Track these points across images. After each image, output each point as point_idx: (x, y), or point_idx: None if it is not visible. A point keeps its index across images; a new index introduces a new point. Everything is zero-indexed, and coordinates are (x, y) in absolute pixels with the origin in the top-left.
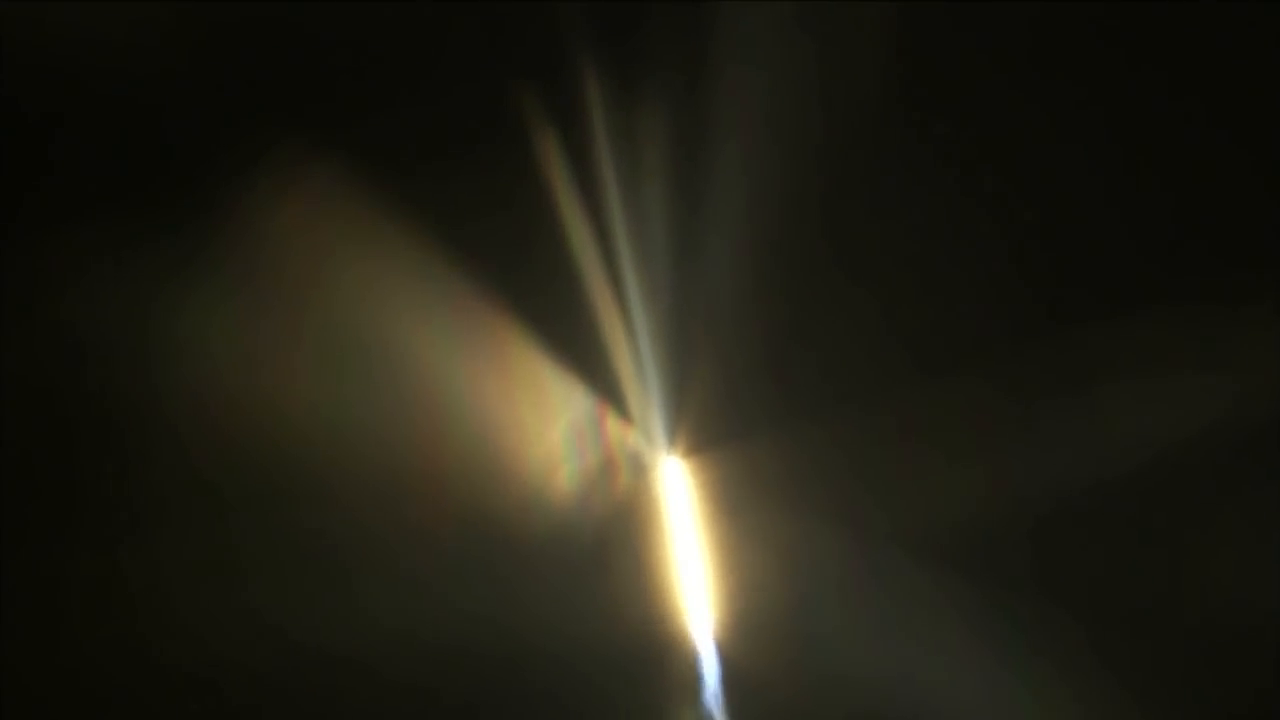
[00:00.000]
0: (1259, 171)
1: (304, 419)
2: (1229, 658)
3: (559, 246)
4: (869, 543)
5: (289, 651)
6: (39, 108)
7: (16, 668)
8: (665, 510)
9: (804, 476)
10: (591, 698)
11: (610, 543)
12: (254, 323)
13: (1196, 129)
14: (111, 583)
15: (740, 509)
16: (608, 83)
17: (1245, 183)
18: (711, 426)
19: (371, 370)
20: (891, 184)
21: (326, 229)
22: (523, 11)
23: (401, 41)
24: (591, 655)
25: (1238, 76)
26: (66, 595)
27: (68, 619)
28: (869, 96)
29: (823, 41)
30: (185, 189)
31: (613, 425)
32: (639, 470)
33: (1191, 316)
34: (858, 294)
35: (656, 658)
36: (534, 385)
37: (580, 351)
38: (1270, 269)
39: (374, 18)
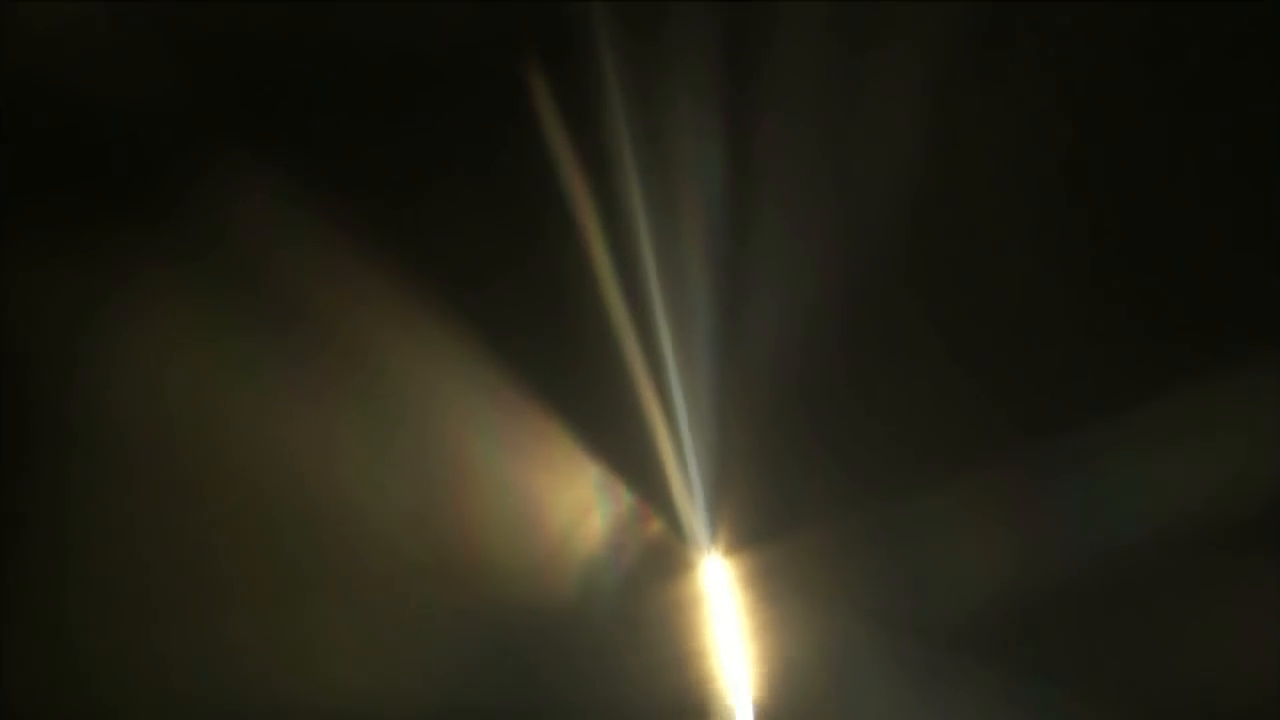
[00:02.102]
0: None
1: (335, 503)
2: None
3: (603, 344)
4: (898, 634)
5: None
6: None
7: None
8: (706, 607)
9: (838, 571)
10: None
11: (650, 638)
12: (289, 403)
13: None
14: (121, 671)
15: (777, 603)
16: (650, 175)
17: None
18: (750, 524)
19: (410, 460)
20: (924, 280)
21: (369, 314)
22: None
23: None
24: None
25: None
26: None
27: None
28: (906, 189)
29: (867, 130)
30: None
31: (655, 523)
32: (680, 567)
33: (1186, 403)
34: (890, 393)
35: None
36: (574, 481)
37: (622, 448)
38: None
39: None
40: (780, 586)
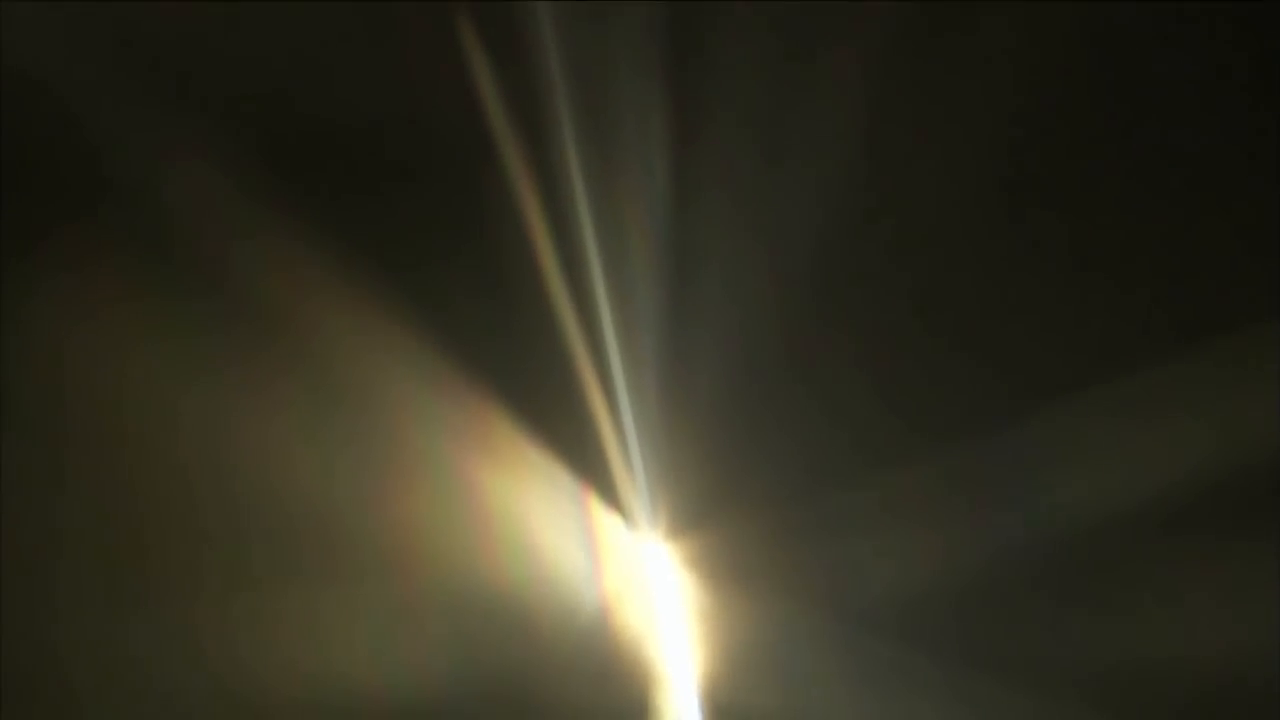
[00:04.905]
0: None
1: (287, 495)
2: None
3: (546, 331)
4: (841, 619)
5: (263, 714)
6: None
7: None
8: (648, 592)
9: (781, 556)
10: None
11: (594, 622)
12: (239, 396)
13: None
14: (98, 652)
15: (719, 588)
16: (593, 165)
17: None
18: (692, 508)
19: (351, 445)
20: (875, 270)
21: (317, 307)
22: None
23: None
24: None
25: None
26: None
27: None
28: (854, 181)
29: (810, 118)
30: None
31: (595, 507)
32: (623, 552)
33: (1131, 391)
34: (833, 380)
35: None
36: (519, 470)
37: (565, 434)
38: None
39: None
40: (722, 571)
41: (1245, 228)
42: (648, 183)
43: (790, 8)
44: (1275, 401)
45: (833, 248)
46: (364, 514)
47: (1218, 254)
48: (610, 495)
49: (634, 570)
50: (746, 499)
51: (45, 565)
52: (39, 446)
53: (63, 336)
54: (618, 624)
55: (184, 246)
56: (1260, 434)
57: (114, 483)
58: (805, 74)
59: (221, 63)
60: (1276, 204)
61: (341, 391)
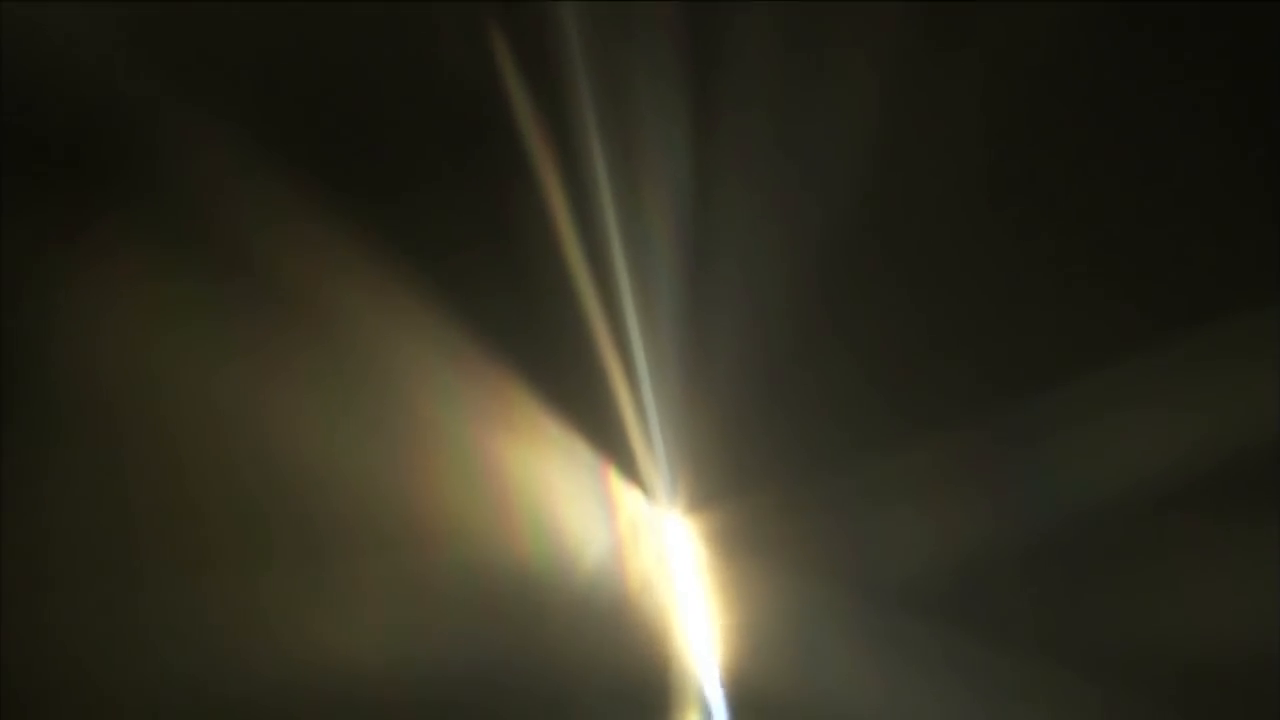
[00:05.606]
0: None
1: (313, 473)
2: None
3: (565, 307)
4: (859, 595)
5: (286, 691)
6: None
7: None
8: (668, 566)
9: (799, 531)
10: None
11: (614, 597)
12: (260, 376)
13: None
14: (99, 628)
15: (738, 563)
16: (616, 152)
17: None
18: (712, 484)
19: (374, 423)
20: (884, 249)
21: (338, 287)
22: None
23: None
24: (594, 705)
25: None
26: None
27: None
28: (867, 176)
29: (826, 114)
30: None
31: (615, 482)
32: (643, 527)
33: (1144, 368)
34: (850, 355)
35: (660, 708)
36: (539, 445)
37: (584, 410)
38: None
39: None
40: (741, 546)
41: (1242, 215)
42: (669, 172)
43: (807, 7)
44: (1270, 387)
45: (845, 238)
46: (387, 490)
47: (1214, 242)
48: (630, 470)
49: (654, 545)
50: (766, 474)
51: (74, 546)
52: (71, 432)
53: (91, 321)
54: (638, 599)
55: (210, 230)
56: (1256, 419)
57: (140, 461)
58: (822, 71)
59: (253, 52)
60: (1271, 192)
61: (365, 370)
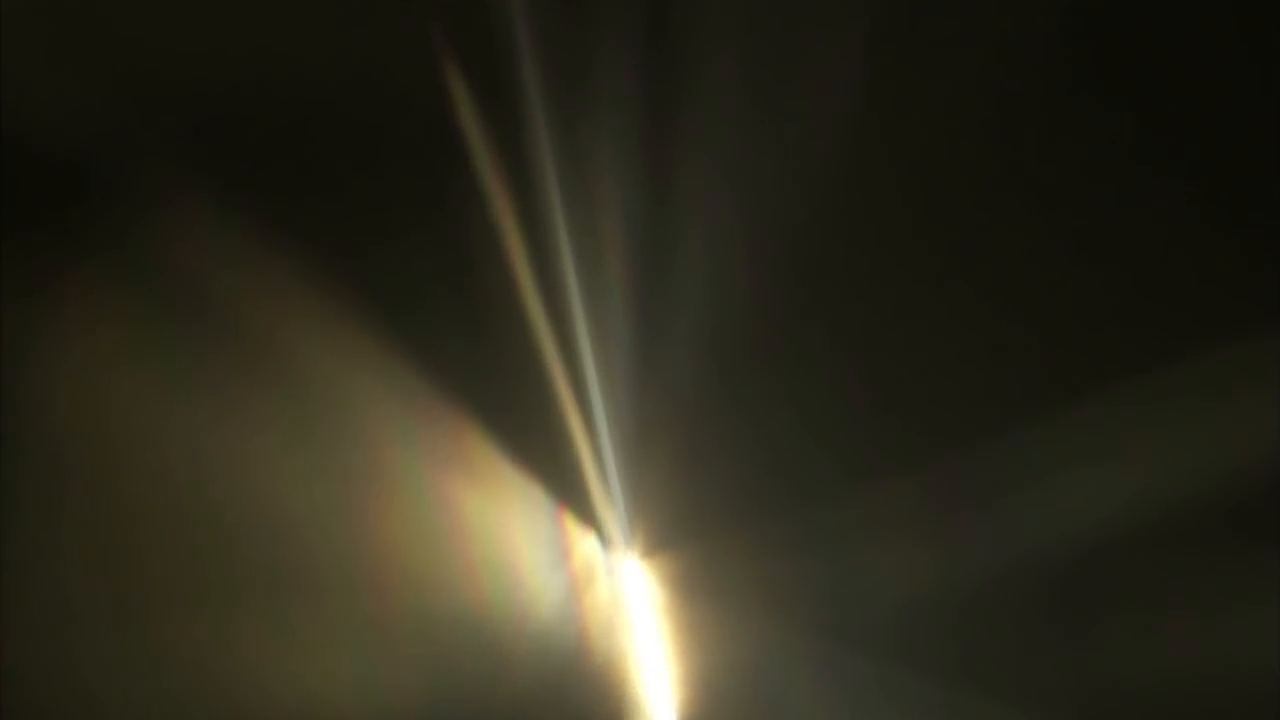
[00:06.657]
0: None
1: (267, 514)
2: None
3: (521, 351)
4: (819, 637)
5: None
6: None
7: None
8: (624, 608)
9: (758, 574)
10: None
11: (570, 642)
12: (217, 416)
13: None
14: (65, 673)
15: (696, 606)
16: (570, 176)
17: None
18: (668, 528)
19: (330, 467)
20: (845, 282)
21: (295, 329)
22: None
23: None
24: None
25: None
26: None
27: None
28: (829, 201)
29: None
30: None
31: (571, 526)
32: (599, 571)
33: (1113, 407)
34: (811, 397)
35: None
36: (495, 488)
37: (541, 453)
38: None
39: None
40: (698, 589)
41: (1245, 228)
42: (627, 219)
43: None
44: (1231, 427)
45: (809, 259)
46: (342, 532)
47: (1215, 257)
48: (587, 514)
49: (611, 589)
50: (724, 516)
51: (21, 587)
52: (28, 466)
53: (51, 363)
54: (595, 642)
55: (168, 274)
56: (1257, 443)
57: (97, 501)
58: (784, 71)
59: (214, 99)
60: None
61: (320, 411)
